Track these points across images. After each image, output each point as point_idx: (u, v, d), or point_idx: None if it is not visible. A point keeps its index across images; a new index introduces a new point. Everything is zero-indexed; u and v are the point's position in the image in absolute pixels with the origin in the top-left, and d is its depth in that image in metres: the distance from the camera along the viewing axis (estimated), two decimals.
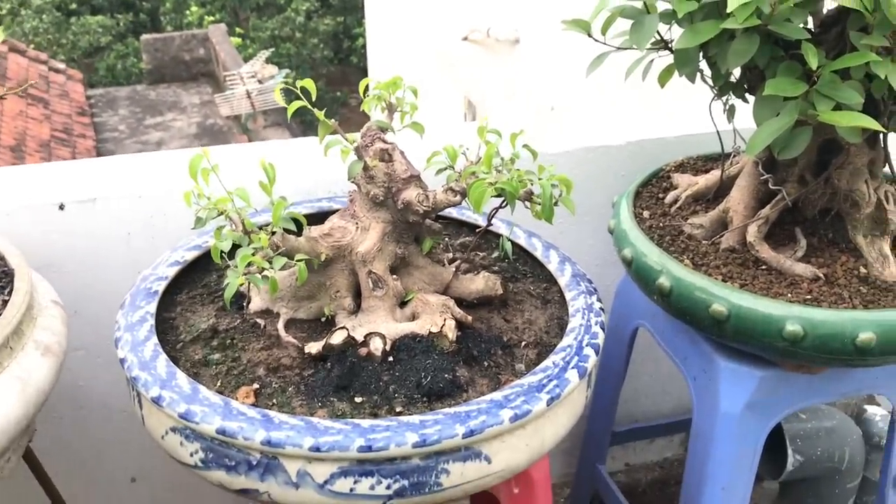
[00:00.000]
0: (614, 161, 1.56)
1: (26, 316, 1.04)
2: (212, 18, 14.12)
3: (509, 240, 1.28)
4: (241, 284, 0.98)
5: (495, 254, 1.31)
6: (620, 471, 1.88)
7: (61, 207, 1.33)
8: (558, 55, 4.76)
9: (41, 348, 1.03)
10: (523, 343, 1.12)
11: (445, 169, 1.12)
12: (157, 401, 0.97)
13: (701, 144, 1.50)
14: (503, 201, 1.05)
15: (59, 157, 9.20)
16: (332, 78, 15.18)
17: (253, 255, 0.99)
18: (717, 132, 1.35)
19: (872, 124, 0.98)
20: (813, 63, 0.99)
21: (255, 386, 1.01)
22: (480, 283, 1.17)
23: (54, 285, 1.20)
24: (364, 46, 14.69)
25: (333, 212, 1.37)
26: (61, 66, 11.34)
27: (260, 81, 9.88)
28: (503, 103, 4.87)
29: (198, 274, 1.25)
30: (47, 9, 14.03)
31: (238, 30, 14.55)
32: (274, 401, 1.00)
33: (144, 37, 12.49)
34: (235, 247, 1.03)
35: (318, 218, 1.36)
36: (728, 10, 0.92)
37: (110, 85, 13.09)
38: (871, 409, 1.68)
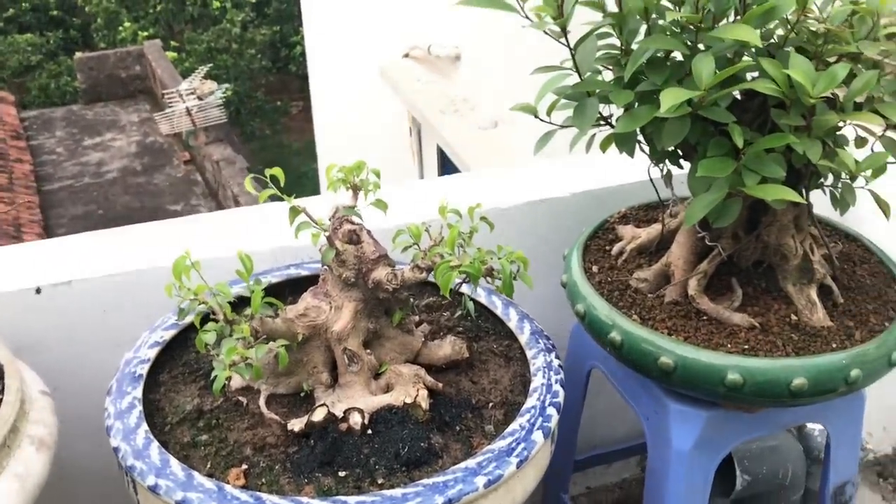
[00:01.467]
0: (560, 212, 1.66)
1: (20, 412, 1.09)
2: (146, 34, 13.92)
3: (471, 299, 1.37)
4: (229, 377, 1.04)
5: (458, 313, 1.39)
6: (582, 494, 1.99)
7: (38, 291, 1.37)
8: (499, 71, 4.87)
9: (35, 443, 1.09)
10: (490, 404, 1.21)
11: (410, 247, 1.20)
12: (153, 489, 1.03)
13: (640, 192, 1.60)
14: (466, 279, 1.14)
15: None
16: (272, 87, 15.11)
17: (236, 344, 1.06)
18: (654, 187, 1.45)
19: (794, 197, 1.09)
20: (739, 142, 1.10)
21: (244, 467, 1.08)
22: (448, 348, 1.25)
23: (33, 365, 1.25)
24: (302, 54, 14.63)
25: (302, 279, 1.45)
26: None
27: (199, 98, 9.82)
28: (446, 119, 4.96)
29: (177, 352, 1.31)
30: None
31: (173, 43, 14.38)
32: (263, 480, 1.07)
33: (78, 55, 12.28)
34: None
35: (287, 286, 1.44)
36: (662, 110, 1.01)
37: (44, 105, 12.83)
38: (810, 426, 1.81)
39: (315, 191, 11.20)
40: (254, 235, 1.53)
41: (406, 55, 5.64)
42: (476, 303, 1.40)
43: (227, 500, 1.00)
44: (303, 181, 12.71)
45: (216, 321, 1.12)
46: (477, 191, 1.70)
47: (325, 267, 1.20)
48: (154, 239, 1.51)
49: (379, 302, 1.21)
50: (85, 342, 1.41)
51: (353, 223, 1.21)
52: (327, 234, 1.17)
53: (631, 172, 1.70)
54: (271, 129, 14.38)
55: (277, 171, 1.19)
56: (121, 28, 14.20)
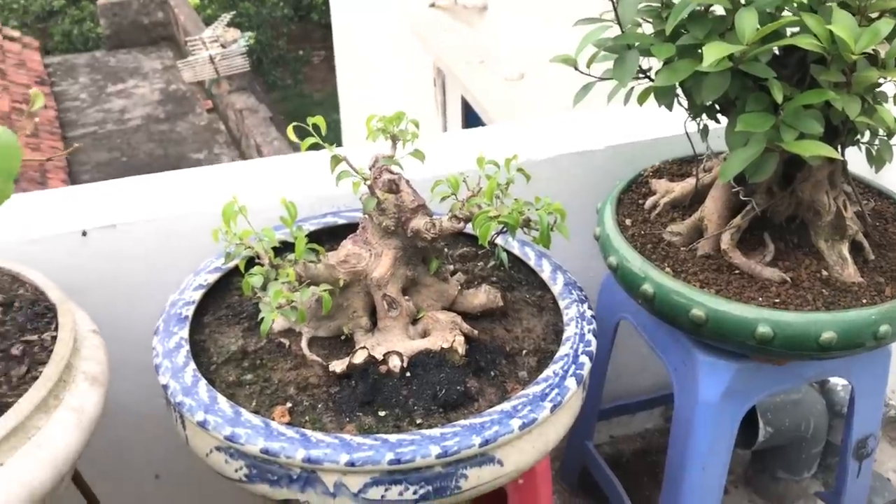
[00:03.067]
0: (595, 164, 1.67)
1: (73, 349, 1.14)
2: None
3: (504, 250, 1.39)
4: (275, 319, 1.08)
5: (491, 263, 1.42)
6: (605, 443, 2.03)
7: (84, 234, 1.41)
8: (527, 22, 4.82)
9: (89, 379, 1.13)
10: (524, 351, 1.24)
11: (448, 197, 1.23)
12: (202, 424, 1.08)
13: (674, 146, 1.61)
14: (503, 229, 1.16)
15: (20, 129, 9.07)
16: (294, 36, 14.99)
17: (282, 288, 1.10)
18: (690, 141, 1.46)
19: (832, 153, 1.10)
20: (778, 98, 1.11)
21: (289, 405, 1.13)
22: (482, 297, 1.28)
23: (79, 306, 1.29)
24: (325, 3, 14.49)
25: (339, 226, 1.48)
26: (16, 33, 11.10)
27: (223, 46, 9.79)
28: (472, 70, 4.94)
29: (220, 294, 1.34)
30: None
31: None
32: (306, 418, 1.11)
33: (101, 1, 12.23)
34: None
35: (325, 233, 1.47)
36: (704, 65, 1.02)
37: (67, 51, 12.83)
38: (833, 380, 1.83)
39: (337, 141, 11.21)
40: (293, 183, 1.56)
41: (432, 5, 5.59)
42: (509, 253, 1.42)
43: (274, 435, 1.05)
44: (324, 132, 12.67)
45: (261, 265, 1.15)
46: (511, 142, 1.71)
47: (365, 215, 1.23)
48: (196, 185, 1.54)
49: (417, 250, 1.24)
50: (129, 284, 1.46)
51: (392, 172, 1.23)
52: (368, 183, 1.20)
53: (665, 126, 1.70)
54: (293, 78, 14.30)
55: (319, 120, 1.21)
56: None
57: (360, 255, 1.22)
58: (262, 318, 1.09)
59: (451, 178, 1.22)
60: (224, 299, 1.35)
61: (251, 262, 1.17)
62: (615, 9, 1.20)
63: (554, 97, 4.61)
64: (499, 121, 4.36)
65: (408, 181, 1.24)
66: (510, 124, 1.83)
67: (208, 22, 11.56)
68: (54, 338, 1.14)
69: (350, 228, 1.44)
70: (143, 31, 11.95)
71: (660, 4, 1.22)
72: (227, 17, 10.97)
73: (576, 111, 1.70)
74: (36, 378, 1.07)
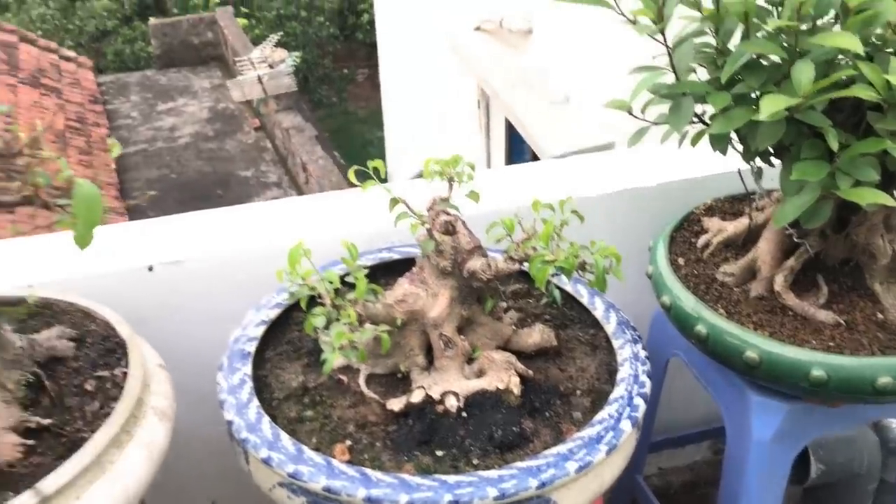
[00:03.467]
0: (646, 202, 1.68)
1: (143, 385, 1.19)
2: (217, 0, 14.12)
3: (557, 287, 1.41)
4: (337, 359, 1.12)
5: (544, 301, 1.44)
6: (654, 474, 2.03)
7: (150, 269, 1.47)
8: (572, 45, 4.84)
9: (158, 413, 1.18)
10: (578, 391, 1.26)
11: (503, 239, 1.25)
12: (266, 461, 1.11)
13: (725, 183, 1.61)
14: (558, 273, 1.19)
15: (75, 147, 9.32)
16: (339, 55, 15.20)
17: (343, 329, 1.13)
18: (742, 180, 1.47)
19: (889, 201, 1.10)
20: (834, 146, 1.11)
21: (349, 443, 1.16)
22: (537, 336, 1.31)
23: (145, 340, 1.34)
24: (370, 22, 14.69)
25: (394, 262, 1.52)
26: (71, 53, 11.40)
27: (270, 66, 9.95)
28: (517, 93, 4.97)
29: (280, 330, 1.39)
30: None
31: (243, 10, 14.55)
32: (366, 456, 1.14)
33: (153, 21, 12.53)
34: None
35: (380, 268, 1.51)
36: (761, 116, 1.04)
37: (119, 70, 13.16)
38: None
39: (381, 157, 11.30)
40: (349, 219, 1.60)
41: (477, 28, 5.64)
42: (561, 290, 1.44)
43: (335, 474, 1.08)
44: (368, 149, 12.83)
45: (322, 304, 1.19)
46: (562, 179, 1.74)
47: (423, 256, 1.26)
48: (257, 220, 1.59)
49: (472, 290, 1.27)
50: (191, 319, 1.51)
51: (449, 214, 1.27)
52: (428, 226, 1.23)
53: (716, 163, 1.71)
54: (338, 96, 14.51)
55: (378, 164, 1.25)
56: None
57: (417, 295, 1.26)
58: (324, 358, 1.13)
59: (507, 221, 1.25)
60: (284, 335, 1.39)
61: (312, 300, 1.21)
62: (670, 56, 1.22)
63: (598, 120, 4.63)
64: (543, 144, 4.39)
65: (464, 222, 1.27)
66: (560, 161, 1.85)
67: (256, 42, 11.77)
68: (125, 374, 1.19)
69: (404, 263, 1.48)
70: (193, 50, 12.21)
71: (714, 51, 1.23)
72: (274, 37, 11.16)
73: (625, 144, 1.72)
74: (109, 414, 1.12)
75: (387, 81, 9.39)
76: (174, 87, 11.88)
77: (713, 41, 1.25)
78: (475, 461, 1.13)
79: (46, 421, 1.09)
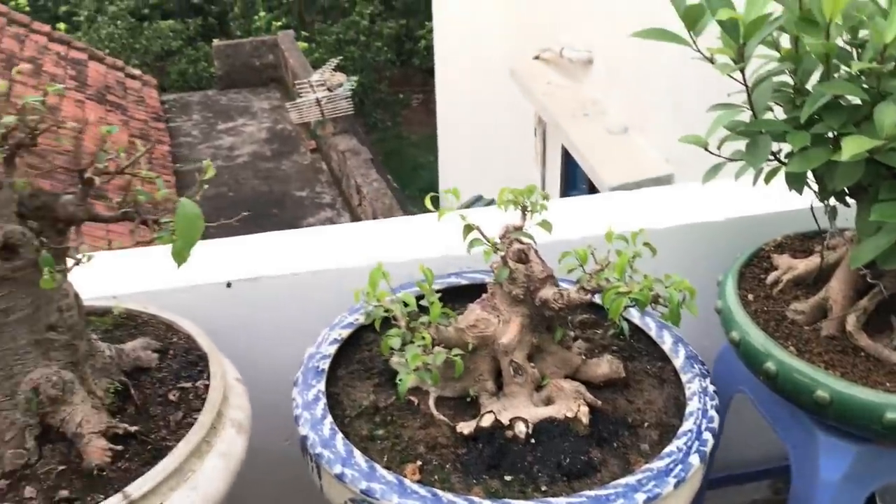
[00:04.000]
0: (714, 236, 1.69)
1: (223, 397, 1.23)
2: (279, 23, 14.46)
3: (625, 319, 1.43)
4: (411, 380, 1.15)
5: (611, 331, 1.46)
6: None
7: (228, 285, 1.52)
8: (631, 77, 4.86)
9: (236, 426, 1.22)
10: (645, 423, 1.27)
11: (575, 269, 1.27)
12: (339, 477, 1.14)
13: (795, 220, 1.61)
14: (630, 305, 1.20)
15: (136, 163, 9.55)
16: (395, 80, 15.44)
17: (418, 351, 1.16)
18: (815, 218, 1.47)
19: None
20: None
21: (419, 463, 1.18)
22: (605, 367, 1.32)
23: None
24: (426, 48, 14.91)
25: (462, 287, 1.54)
26: (137, 72, 11.77)
27: (329, 89, 10.13)
28: (576, 122, 4.99)
29: (351, 349, 1.42)
30: (122, 15, 14.56)
31: (303, 33, 14.88)
32: (436, 477, 1.17)
33: (216, 43, 12.87)
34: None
35: (448, 293, 1.53)
36: (843, 157, 1.05)
37: (182, 89, 13.53)
38: None
39: (432, 181, 11.41)
40: (418, 243, 1.64)
41: (536, 57, 5.69)
42: (629, 322, 1.45)
43: (407, 493, 1.10)
44: (419, 172, 12.97)
45: (396, 326, 1.23)
46: (632, 211, 1.75)
47: (495, 283, 1.29)
48: (331, 242, 1.64)
49: (543, 318, 1.29)
50: (264, 335, 1.55)
51: (522, 242, 1.29)
52: (503, 254, 1.26)
53: (786, 200, 1.71)
54: (392, 120, 14.71)
55: (455, 192, 1.29)
56: (256, 17, 14.80)
57: (488, 321, 1.28)
58: (399, 379, 1.16)
59: (580, 252, 1.27)
60: (355, 354, 1.42)
61: (385, 321, 1.25)
62: (748, 94, 1.23)
63: (658, 150, 4.62)
64: (601, 174, 4.40)
65: (536, 251, 1.30)
66: (628, 193, 1.86)
67: (315, 65, 12.01)
68: (206, 386, 1.23)
69: (471, 289, 1.50)
70: (254, 72, 12.49)
71: (792, 91, 1.24)
72: (334, 61, 11.37)
73: (691, 177, 1.72)
74: (192, 424, 1.16)
75: (443, 106, 9.49)
76: (234, 107, 12.16)
77: (790, 80, 1.26)
78: (543, 487, 1.14)
79: (133, 428, 1.13)
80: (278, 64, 12.43)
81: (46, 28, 9.74)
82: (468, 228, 1.30)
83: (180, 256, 1.02)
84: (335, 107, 9.93)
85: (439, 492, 1.11)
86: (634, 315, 1.46)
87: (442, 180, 9.81)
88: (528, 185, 1.31)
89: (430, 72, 14.98)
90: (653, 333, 1.43)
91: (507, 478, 1.16)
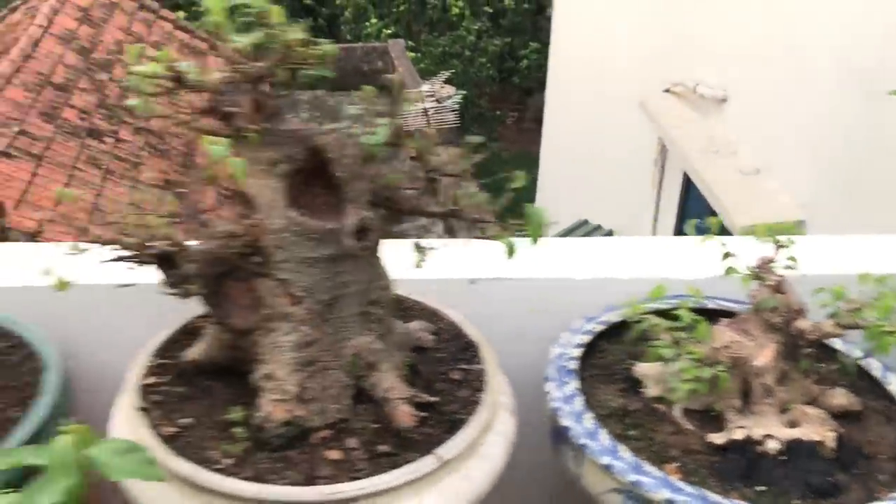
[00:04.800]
0: None
1: (498, 382, 1.36)
2: (388, 31, 14.79)
3: (857, 362, 1.51)
4: (686, 390, 1.26)
5: (834, 366, 1.54)
6: None
7: (472, 282, 1.66)
8: (766, 119, 4.90)
9: (507, 409, 1.35)
10: (881, 456, 1.35)
11: (828, 305, 1.37)
12: (607, 468, 1.26)
13: None
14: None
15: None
16: (493, 96, 15.64)
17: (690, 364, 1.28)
18: None
19: None
20: None
21: (678, 464, 1.29)
22: (843, 399, 1.41)
23: None
24: (528, 67, 15.08)
25: (708, 310, 1.63)
26: None
27: (437, 101, 10.37)
28: (705, 159, 5.04)
29: (587, 355, 1.54)
30: None
31: (410, 43, 15.19)
32: (694, 478, 1.27)
33: None
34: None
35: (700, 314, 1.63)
36: None
37: (294, 88, 13.95)
38: None
39: (531, 199, 11.54)
40: (667, 263, 1.76)
41: (667, 90, 5.76)
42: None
43: (675, 489, 1.21)
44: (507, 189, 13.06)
45: (650, 339, 1.35)
46: (864, 254, 1.80)
47: (754, 310, 1.39)
48: (572, 253, 1.78)
49: (794, 347, 1.39)
50: (505, 329, 1.66)
51: (776, 275, 1.39)
52: (767, 283, 1.36)
53: None
54: (488, 136, 14.89)
55: (714, 221, 1.40)
56: (367, 24, 15.16)
57: (741, 344, 1.38)
58: (672, 387, 1.27)
59: (836, 289, 1.36)
60: (589, 359, 1.54)
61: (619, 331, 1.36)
62: None
63: (791, 195, 4.64)
64: (733, 213, 4.45)
65: (788, 283, 1.40)
66: (873, 237, 1.89)
67: (421, 75, 12.27)
68: (481, 370, 1.37)
69: (704, 312, 1.60)
70: (363, 77, 12.81)
71: None
72: (444, 74, 11.63)
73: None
74: (478, 402, 1.29)
75: (550, 127, 9.61)
76: (341, 109, 12.51)
77: None
78: (795, 502, 1.24)
79: (433, 399, 1.27)
80: (387, 70, 12.76)
81: (173, 16, 10.15)
82: (727, 255, 1.41)
83: (511, 252, 1.18)
84: (442, 118, 10.15)
85: (707, 492, 1.21)
86: (859, 353, 1.55)
87: (539, 200, 9.91)
88: (789, 221, 1.41)
89: (528, 91, 15.14)
90: (877, 374, 1.51)
91: (759, 488, 1.26)
